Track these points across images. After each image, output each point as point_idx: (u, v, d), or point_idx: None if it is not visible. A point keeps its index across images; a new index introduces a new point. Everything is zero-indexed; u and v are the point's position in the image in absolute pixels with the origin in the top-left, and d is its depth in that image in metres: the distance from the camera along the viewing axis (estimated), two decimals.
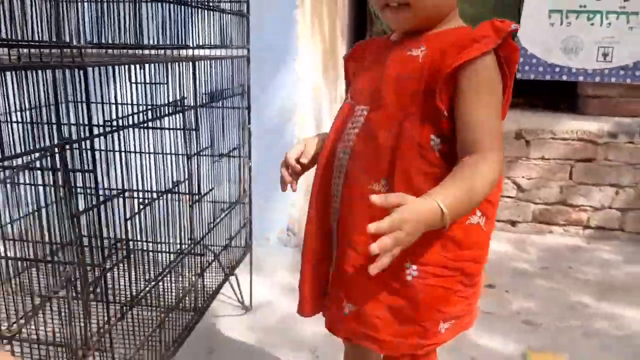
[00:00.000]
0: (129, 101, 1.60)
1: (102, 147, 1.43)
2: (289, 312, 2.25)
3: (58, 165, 1.07)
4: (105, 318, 1.17)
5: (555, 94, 3.63)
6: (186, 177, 1.58)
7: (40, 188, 1.21)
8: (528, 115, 3.37)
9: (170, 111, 1.47)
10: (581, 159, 3.08)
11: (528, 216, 3.20)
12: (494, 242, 2.99)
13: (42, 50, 0.96)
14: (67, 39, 1.02)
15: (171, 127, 1.58)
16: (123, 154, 1.63)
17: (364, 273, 0.93)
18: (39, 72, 1.08)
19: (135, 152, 1.67)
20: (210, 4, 1.73)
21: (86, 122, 1.08)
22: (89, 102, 1.06)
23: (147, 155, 1.61)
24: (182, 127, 1.58)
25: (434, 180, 0.94)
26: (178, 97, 1.56)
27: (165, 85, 1.54)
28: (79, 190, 1.16)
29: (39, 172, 1.10)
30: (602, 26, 3.18)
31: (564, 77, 3.29)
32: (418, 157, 0.98)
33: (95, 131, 1.14)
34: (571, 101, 3.49)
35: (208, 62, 1.75)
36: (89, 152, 1.07)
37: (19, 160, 1.04)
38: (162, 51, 1.42)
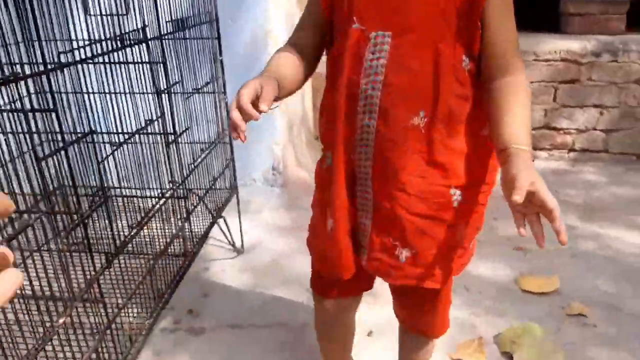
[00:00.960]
0: (87, 37, 1.45)
1: (61, 88, 1.29)
2: (281, 251, 2.21)
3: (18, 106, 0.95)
4: (90, 268, 1.09)
5: (536, 12, 3.51)
6: (158, 115, 1.46)
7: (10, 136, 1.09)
8: None
9: (132, 42, 1.33)
10: (565, 81, 3.02)
11: None
12: None
13: None
14: None
15: (135, 61, 1.44)
16: (86, 94, 1.50)
17: (419, 215, 0.96)
18: None
19: (98, 93, 1.53)
20: None
21: (39, 60, 0.95)
22: (39, 34, 0.92)
23: (113, 94, 1.48)
24: (147, 60, 1.45)
25: (465, 100, 0.93)
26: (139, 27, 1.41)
27: (126, 17, 1.39)
28: (43, 137, 1.05)
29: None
30: None
31: None
32: (454, 80, 0.92)
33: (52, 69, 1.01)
34: (552, 20, 3.38)
35: None
36: (47, 91, 0.94)
37: None
38: None
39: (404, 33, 0.90)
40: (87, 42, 1.17)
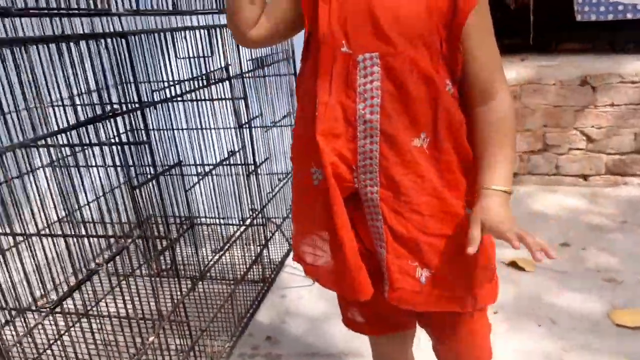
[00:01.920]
0: (177, 78, 1.58)
1: (154, 124, 1.41)
2: None
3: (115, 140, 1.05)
4: (177, 291, 1.16)
5: (620, 33, 3.36)
6: (239, 147, 1.54)
7: (102, 171, 1.20)
8: (591, 59, 3.14)
9: (217, 80, 1.43)
10: None
11: (601, 168, 2.99)
12: (566, 199, 2.85)
13: (84, 18, 0.93)
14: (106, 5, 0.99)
15: (219, 97, 1.55)
16: (175, 130, 1.62)
17: (434, 234, 0.95)
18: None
19: (186, 129, 1.65)
20: None
21: (134, 92, 1.06)
22: (134, 73, 1.03)
23: (199, 129, 1.59)
24: (229, 97, 1.54)
25: (460, 124, 0.93)
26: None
27: (211, 58, 1.50)
28: (137, 170, 1.15)
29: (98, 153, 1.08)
30: None
31: (629, 15, 3.02)
32: (447, 103, 0.91)
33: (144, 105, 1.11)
34: (637, 41, 3.22)
35: None
36: (141, 126, 1.04)
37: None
38: (203, 19, 1.38)
39: (392, 55, 0.89)
40: (176, 81, 1.27)
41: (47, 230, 1.29)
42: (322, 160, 0.94)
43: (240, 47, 1.58)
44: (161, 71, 1.58)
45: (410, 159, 0.92)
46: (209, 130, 1.66)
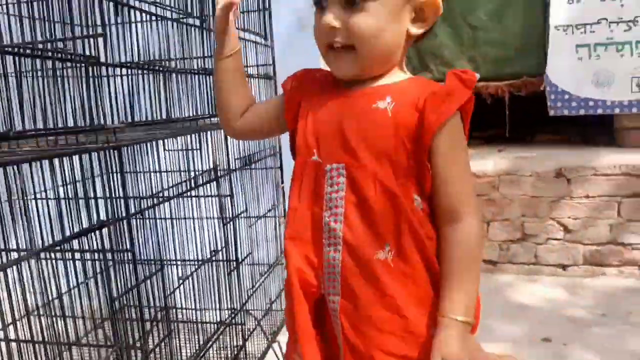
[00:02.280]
0: (164, 168, 1.60)
1: (140, 221, 1.42)
2: None
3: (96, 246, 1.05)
4: None
5: (591, 127, 3.53)
6: (223, 245, 1.55)
7: (79, 265, 1.19)
8: (565, 152, 3.27)
9: (205, 180, 1.46)
10: (628, 195, 2.94)
11: (579, 259, 3.04)
12: (546, 289, 2.86)
13: (77, 135, 0.96)
14: (102, 121, 1.02)
15: (206, 194, 1.57)
16: (160, 226, 1.62)
17: (394, 354, 0.91)
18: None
19: (171, 219, 1.65)
20: None
21: (122, 200, 1.07)
22: (124, 180, 1.05)
23: (184, 224, 1.60)
24: (216, 194, 1.57)
25: (429, 239, 0.94)
26: (211, 163, 1.55)
27: (199, 151, 1.54)
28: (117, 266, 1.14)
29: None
30: (632, 56, 3.10)
31: (599, 111, 3.19)
32: (413, 218, 0.92)
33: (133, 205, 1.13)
34: (608, 134, 3.38)
35: None
36: (125, 231, 1.05)
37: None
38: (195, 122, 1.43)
39: (356, 168, 0.91)
40: (165, 178, 1.30)
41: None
42: (288, 266, 0.96)
43: (228, 144, 1.63)
44: (146, 165, 1.60)
45: (371, 272, 0.91)
46: (192, 224, 1.67)
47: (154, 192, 1.30)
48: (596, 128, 3.48)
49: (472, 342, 0.92)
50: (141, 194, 1.33)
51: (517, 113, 3.51)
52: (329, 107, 0.95)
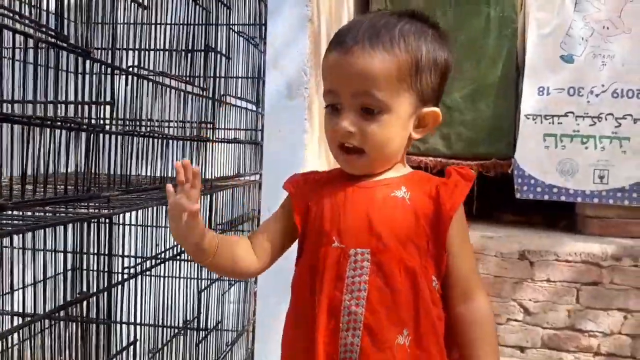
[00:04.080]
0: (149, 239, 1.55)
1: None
2: None
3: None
4: None
5: (553, 211, 3.67)
6: (195, 314, 1.51)
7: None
8: (529, 234, 3.38)
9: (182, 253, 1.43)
10: (587, 283, 3.04)
11: (537, 342, 3.09)
12: None
13: (70, 205, 0.94)
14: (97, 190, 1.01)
15: (186, 258, 1.54)
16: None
17: None
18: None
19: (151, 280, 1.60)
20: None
21: (106, 269, 1.04)
22: (111, 251, 1.02)
23: (160, 287, 1.55)
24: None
25: (440, 320, 0.98)
26: None
27: None
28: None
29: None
30: (596, 150, 3.29)
31: (562, 198, 3.34)
32: (430, 300, 0.97)
33: (115, 278, 1.10)
34: (570, 219, 3.53)
35: (224, 191, 1.74)
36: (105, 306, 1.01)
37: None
38: None
39: (382, 252, 0.95)
40: (146, 258, 1.27)
41: None
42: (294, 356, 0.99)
43: (212, 210, 1.61)
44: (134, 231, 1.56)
45: (391, 356, 0.93)
46: (167, 288, 1.62)
47: (137, 253, 1.27)
48: (559, 212, 3.62)
49: None
50: (126, 253, 1.29)
51: (484, 192, 3.62)
52: (347, 197, 0.99)
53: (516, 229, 3.56)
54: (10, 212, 0.96)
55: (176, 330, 1.48)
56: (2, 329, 0.88)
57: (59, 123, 0.87)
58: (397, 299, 0.94)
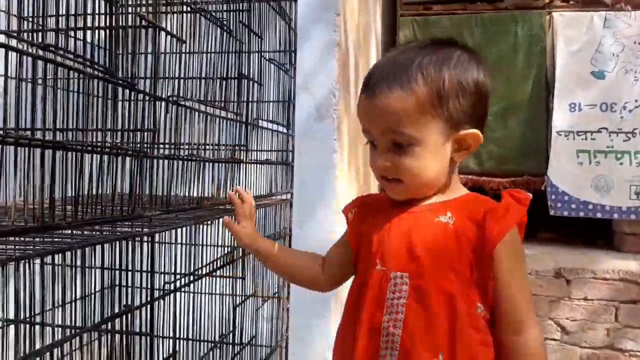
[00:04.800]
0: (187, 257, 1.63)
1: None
2: None
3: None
4: None
5: (590, 228, 3.61)
6: (231, 329, 1.57)
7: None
8: (565, 252, 3.33)
9: (222, 263, 1.50)
10: (626, 301, 2.97)
11: None
12: None
13: (118, 223, 1.02)
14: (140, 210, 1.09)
15: (221, 274, 1.61)
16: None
17: None
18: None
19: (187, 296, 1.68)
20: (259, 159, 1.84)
21: (149, 286, 1.12)
22: (153, 267, 1.10)
23: (197, 303, 1.63)
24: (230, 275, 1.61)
25: (486, 346, 0.97)
26: (227, 247, 1.60)
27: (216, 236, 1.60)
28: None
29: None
30: (631, 165, 3.24)
31: (598, 215, 3.29)
32: (470, 326, 0.97)
33: (156, 293, 1.17)
34: (607, 236, 3.46)
35: (257, 210, 1.82)
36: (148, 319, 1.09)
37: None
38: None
39: (420, 277, 0.97)
40: (184, 274, 1.34)
41: None
42: None
43: None
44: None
45: None
46: (203, 303, 1.69)
47: (176, 270, 1.35)
48: (595, 229, 3.56)
49: None
50: (165, 270, 1.38)
51: None
52: (392, 221, 1.03)
53: (551, 247, 3.51)
54: (61, 231, 1.06)
55: (212, 345, 1.55)
56: (55, 340, 0.96)
57: (108, 149, 0.95)
58: (434, 323, 0.96)
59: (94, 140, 0.98)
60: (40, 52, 0.81)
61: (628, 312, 2.97)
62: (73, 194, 0.88)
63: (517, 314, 0.96)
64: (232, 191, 1.15)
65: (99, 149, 0.93)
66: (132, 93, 1.03)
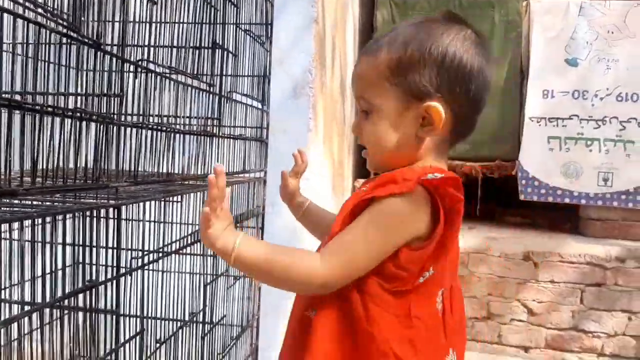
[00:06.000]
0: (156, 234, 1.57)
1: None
2: None
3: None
4: None
5: (557, 212, 3.67)
6: (201, 307, 1.53)
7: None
8: (533, 235, 3.38)
9: (193, 240, 1.45)
10: (591, 284, 3.04)
11: (541, 342, 3.09)
12: None
13: (78, 194, 0.96)
14: (105, 177, 1.03)
15: (192, 252, 1.56)
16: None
17: None
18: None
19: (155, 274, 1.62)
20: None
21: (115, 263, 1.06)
22: (119, 243, 1.04)
23: (166, 280, 1.58)
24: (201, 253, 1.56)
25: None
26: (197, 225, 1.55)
27: (187, 213, 1.55)
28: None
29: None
30: (600, 152, 3.30)
31: (566, 200, 3.35)
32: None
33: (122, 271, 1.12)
34: (573, 221, 3.53)
35: (229, 187, 1.76)
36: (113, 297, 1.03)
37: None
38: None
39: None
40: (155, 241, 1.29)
41: None
42: None
43: None
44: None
45: None
46: (173, 281, 1.64)
47: (144, 247, 1.29)
48: (562, 214, 3.63)
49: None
50: (132, 247, 1.31)
51: (488, 194, 3.63)
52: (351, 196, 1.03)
53: (520, 231, 3.56)
54: (19, 201, 0.99)
55: (182, 323, 1.50)
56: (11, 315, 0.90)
57: (70, 113, 0.89)
58: None
59: (56, 104, 0.92)
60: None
61: (593, 294, 3.04)
62: (32, 162, 0.82)
63: (329, 246, 0.90)
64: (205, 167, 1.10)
65: (60, 111, 0.86)
66: (98, 54, 0.97)
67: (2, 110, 0.81)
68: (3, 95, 0.79)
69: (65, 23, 0.86)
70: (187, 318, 1.52)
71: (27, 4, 0.78)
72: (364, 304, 0.89)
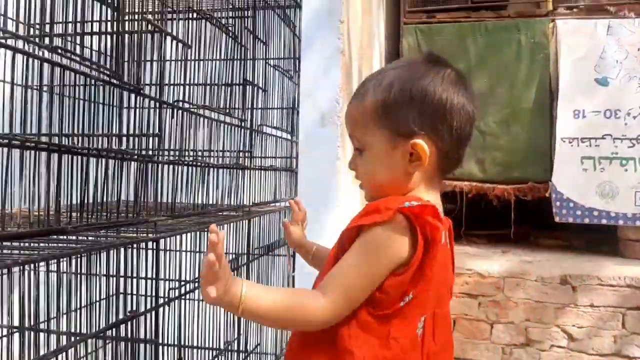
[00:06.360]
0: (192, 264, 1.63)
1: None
2: None
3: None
4: None
5: (594, 234, 3.59)
6: (236, 336, 1.56)
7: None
8: (570, 258, 3.31)
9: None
10: (632, 307, 2.95)
11: None
12: None
13: (120, 229, 1.02)
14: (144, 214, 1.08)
15: None
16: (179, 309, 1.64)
17: None
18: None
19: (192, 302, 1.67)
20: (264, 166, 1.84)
21: (154, 293, 1.11)
22: (158, 273, 1.09)
23: (201, 309, 1.62)
24: None
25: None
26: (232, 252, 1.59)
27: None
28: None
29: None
30: (636, 172, 3.22)
31: (604, 221, 3.27)
32: None
33: (161, 300, 1.16)
34: (611, 243, 3.44)
35: (261, 217, 1.81)
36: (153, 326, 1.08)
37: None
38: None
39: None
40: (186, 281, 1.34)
41: None
42: None
43: (250, 236, 1.68)
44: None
45: None
46: (207, 310, 1.68)
47: (181, 277, 1.35)
48: (599, 235, 3.54)
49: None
50: (170, 277, 1.36)
51: (522, 216, 3.59)
52: None
53: (556, 253, 3.49)
54: (66, 237, 1.05)
55: (217, 352, 1.54)
56: (59, 346, 0.95)
57: (113, 154, 0.95)
58: None
59: (100, 145, 0.98)
60: (47, 55, 0.81)
61: (635, 318, 2.94)
62: (78, 200, 0.88)
63: (324, 284, 0.94)
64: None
65: (104, 153, 0.92)
66: (138, 98, 1.04)
67: (53, 154, 0.88)
68: (52, 139, 0.86)
69: (108, 72, 0.93)
70: (222, 347, 1.56)
71: (73, 57, 0.85)
72: (349, 327, 0.93)
